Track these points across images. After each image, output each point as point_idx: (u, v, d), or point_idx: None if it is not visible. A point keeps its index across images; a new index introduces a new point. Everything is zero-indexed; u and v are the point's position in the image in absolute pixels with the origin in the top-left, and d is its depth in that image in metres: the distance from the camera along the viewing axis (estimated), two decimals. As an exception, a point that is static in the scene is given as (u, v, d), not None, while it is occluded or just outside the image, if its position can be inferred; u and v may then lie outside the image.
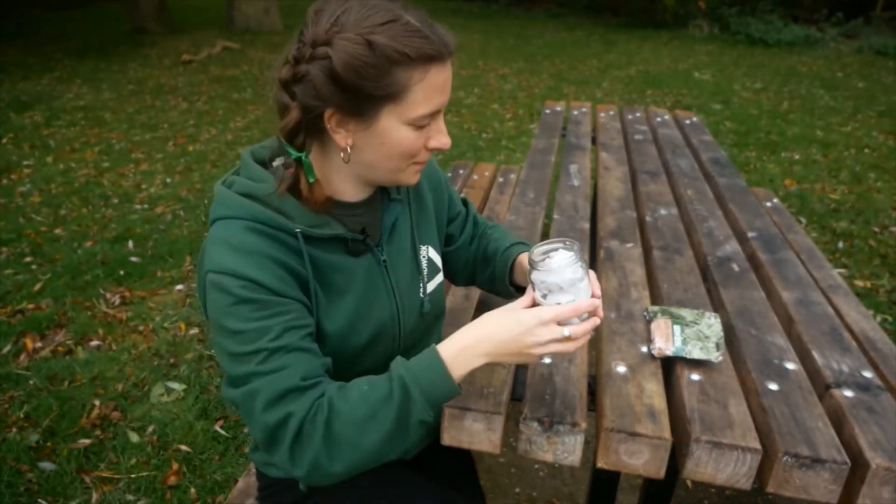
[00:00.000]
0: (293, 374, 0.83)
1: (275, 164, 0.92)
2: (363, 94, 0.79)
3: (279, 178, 0.86)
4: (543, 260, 0.88)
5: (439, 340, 0.91)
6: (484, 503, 1.23)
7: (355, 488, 1.04)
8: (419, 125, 0.84)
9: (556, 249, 0.89)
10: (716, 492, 1.92)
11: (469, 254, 1.21)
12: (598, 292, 0.90)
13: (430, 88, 0.81)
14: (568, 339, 0.84)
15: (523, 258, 1.08)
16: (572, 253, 0.87)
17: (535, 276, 0.87)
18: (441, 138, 0.87)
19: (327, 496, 1.05)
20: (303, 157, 0.86)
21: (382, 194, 1.00)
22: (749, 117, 6.03)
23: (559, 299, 0.86)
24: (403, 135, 0.83)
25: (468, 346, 0.85)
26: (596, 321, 0.87)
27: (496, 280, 1.16)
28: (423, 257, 1.05)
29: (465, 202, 1.24)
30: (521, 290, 1.07)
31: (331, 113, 0.82)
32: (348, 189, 0.93)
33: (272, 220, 0.85)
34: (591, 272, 0.91)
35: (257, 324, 0.82)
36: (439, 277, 1.09)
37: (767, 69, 8.47)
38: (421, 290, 1.04)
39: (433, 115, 0.85)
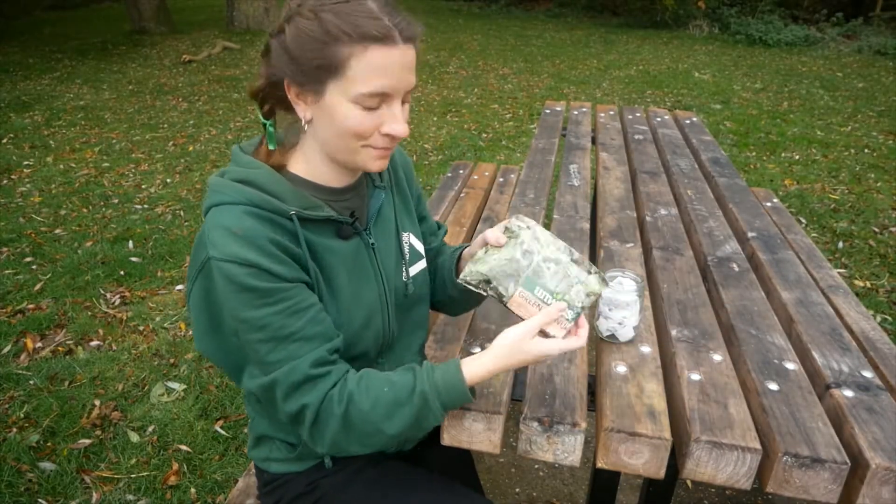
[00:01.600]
0: (303, 365, 0.87)
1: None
2: (307, 65, 0.84)
3: (258, 151, 0.93)
4: (611, 281, 1.13)
5: (424, 323, 1.11)
6: (482, 492, 1.24)
7: (358, 480, 1.05)
8: (366, 105, 0.84)
9: (617, 276, 1.15)
10: (716, 492, 1.92)
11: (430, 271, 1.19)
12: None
13: (370, 68, 0.82)
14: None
15: (467, 253, 1.09)
16: (631, 280, 1.14)
17: (606, 293, 1.11)
18: (393, 125, 0.87)
19: (329, 490, 1.05)
20: (268, 124, 0.92)
21: (368, 181, 1.04)
22: (749, 117, 6.03)
23: (623, 314, 1.12)
24: (350, 112, 0.85)
25: (490, 372, 0.91)
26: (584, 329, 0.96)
27: (446, 279, 1.13)
28: (406, 243, 1.08)
29: (438, 225, 1.24)
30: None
31: (287, 83, 0.87)
32: (331, 173, 0.95)
33: (267, 203, 0.88)
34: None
35: (262, 311, 0.85)
36: (422, 263, 1.11)
37: (767, 69, 8.47)
38: (404, 273, 1.07)
39: (384, 99, 0.85)
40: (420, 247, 1.11)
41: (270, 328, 0.85)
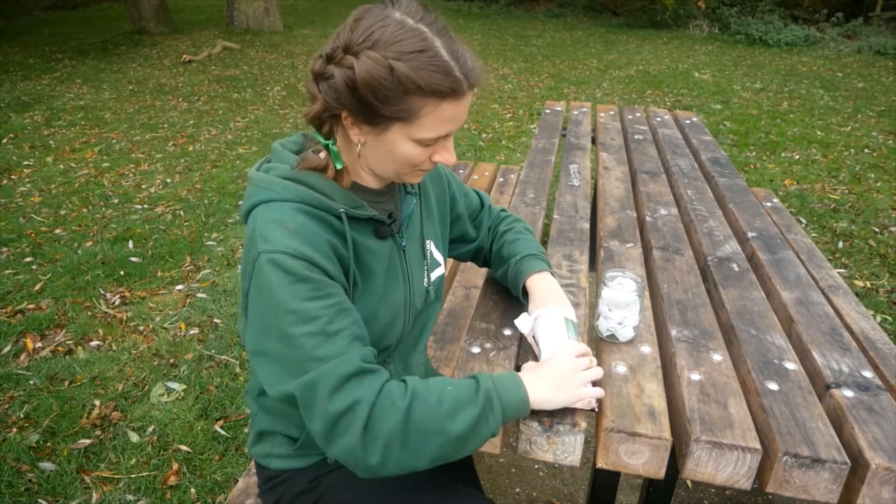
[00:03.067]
0: (352, 359, 0.83)
1: (301, 155, 0.97)
2: (375, 110, 0.84)
3: (309, 159, 0.93)
4: (611, 281, 1.13)
5: (430, 325, 1.15)
6: (482, 491, 1.24)
7: (360, 478, 1.05)
8: (426, 144, 0.89)
9: (617, 276, 1.14)
10: (716, 492, 1.92)
11: (486, 241, 1.29)
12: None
13: (440, 119, 0.86)
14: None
15: (533, 285, 1.17)
16: (631, 281, 1.13)
17: (606, 293, 1.12)
18: (445, 155, 0.92)
19: (331, 487, 1.05)
20: (329, 145, 0.92)
21: (399, 186, 1.06)
22: (749, 117, 6.03)
23: (623, 314, 1.11)
24: (410, 149, 0.89)
25: (545, 399, 0.94)
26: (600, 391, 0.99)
27: (509, 285, 1.25)
28: (428, 250, 1.11)
29: (479, 195, 1.30)
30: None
31: (346, 114, 0.87)
32: (368, 177, 0.98)
33: (318, 201, 0.90)
34: (579, 343, 1.04)
35: (313, 304, 0.84)
36: (439, 270, 1.14)
37: (767, 69, 8.47)
38: (425, 279, 1.09)
39: (442, 136, 0.89)
40: (439, 256, 1.15)
41: (320, 321, 0.83)
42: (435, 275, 1.12)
